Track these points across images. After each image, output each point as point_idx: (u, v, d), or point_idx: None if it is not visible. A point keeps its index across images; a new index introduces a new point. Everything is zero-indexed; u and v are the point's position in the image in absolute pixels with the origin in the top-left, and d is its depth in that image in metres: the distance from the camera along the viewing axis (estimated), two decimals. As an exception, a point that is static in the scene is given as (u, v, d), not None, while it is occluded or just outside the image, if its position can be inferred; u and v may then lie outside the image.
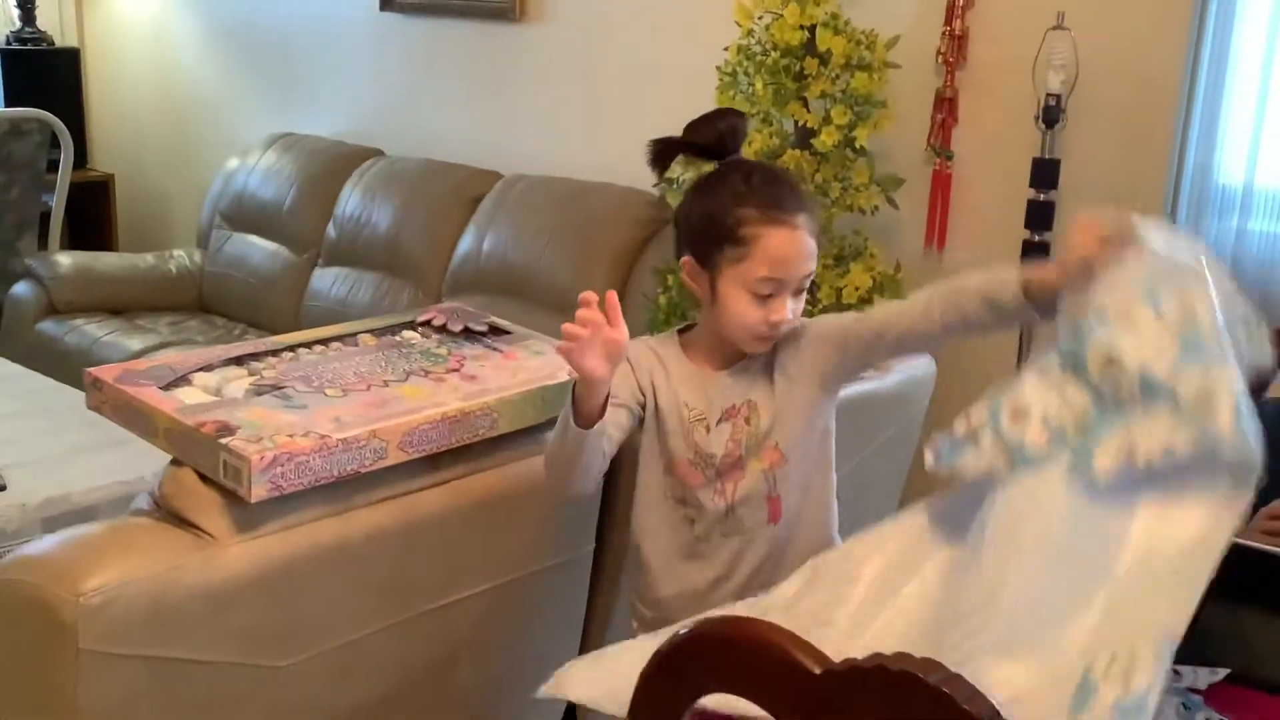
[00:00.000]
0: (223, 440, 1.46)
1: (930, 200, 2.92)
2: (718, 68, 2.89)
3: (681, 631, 0.94)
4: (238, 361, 1.71)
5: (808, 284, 1.60)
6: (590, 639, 1.96)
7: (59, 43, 4.95)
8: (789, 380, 1.65)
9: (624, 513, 1.91)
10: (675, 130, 1.66)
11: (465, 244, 3.53)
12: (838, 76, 2.79)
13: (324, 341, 1.81)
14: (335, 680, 1.59)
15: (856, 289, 2.75)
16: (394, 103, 4.14)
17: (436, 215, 3.64)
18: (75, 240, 4.87)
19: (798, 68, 2.79)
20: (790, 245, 1.55)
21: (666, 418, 1.64)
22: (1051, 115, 2.64)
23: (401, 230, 3.69)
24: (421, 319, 1.93)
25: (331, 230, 3.88)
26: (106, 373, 1.62)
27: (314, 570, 1.52)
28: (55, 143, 4.33)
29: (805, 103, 2.81)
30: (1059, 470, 1.19)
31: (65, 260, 4.12)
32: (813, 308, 2.76)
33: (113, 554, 1.38)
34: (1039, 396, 1.22)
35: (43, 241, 4.44)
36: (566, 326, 1.46)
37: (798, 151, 2.80)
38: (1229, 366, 1.17)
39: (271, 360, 1.73)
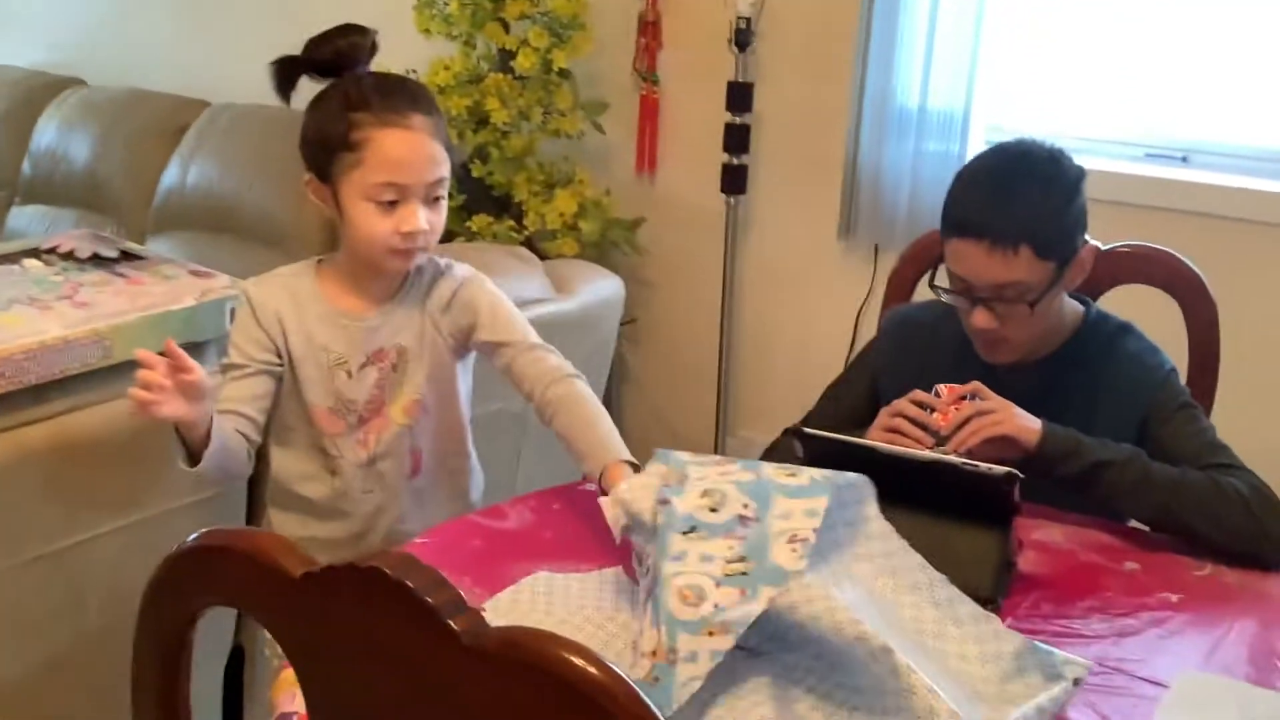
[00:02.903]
0: None
1: (639, 125, 2.91)
2: (412, -14, 2.79)
3: (179, 545, 0.88)
4: None
5: (441, 192, 1.53)
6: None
7: None
8: (438, 332, 1.59)
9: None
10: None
11: (169, 177, 3.34)
12: (537, -2, 2.73)
13: (-78, 270, 1.66)
14: (-70, 633, 1.47)
15: (561, 214, 2.71)
16: (97, 28, 3.89)
17: (138, 147, 3.43)
18: None
19: (497, -13, 2.72)
20: (406, 146, 1.48)
21: (301, 364, 1.55)
22: (744, 39, 2.64)
23: (101, 164, 3.46)
24: (48, 246, 1.80)
25: (27, 166, 3.61)
26: None
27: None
28: None
29: (505, 25, 2.74)
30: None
31: None
32: (519, 234, 2.71)
33: None
34: (694, 570, 1.15)
35: None
36: (133, 392, 1.36)
37: (499, 75, 2.73)
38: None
39: None
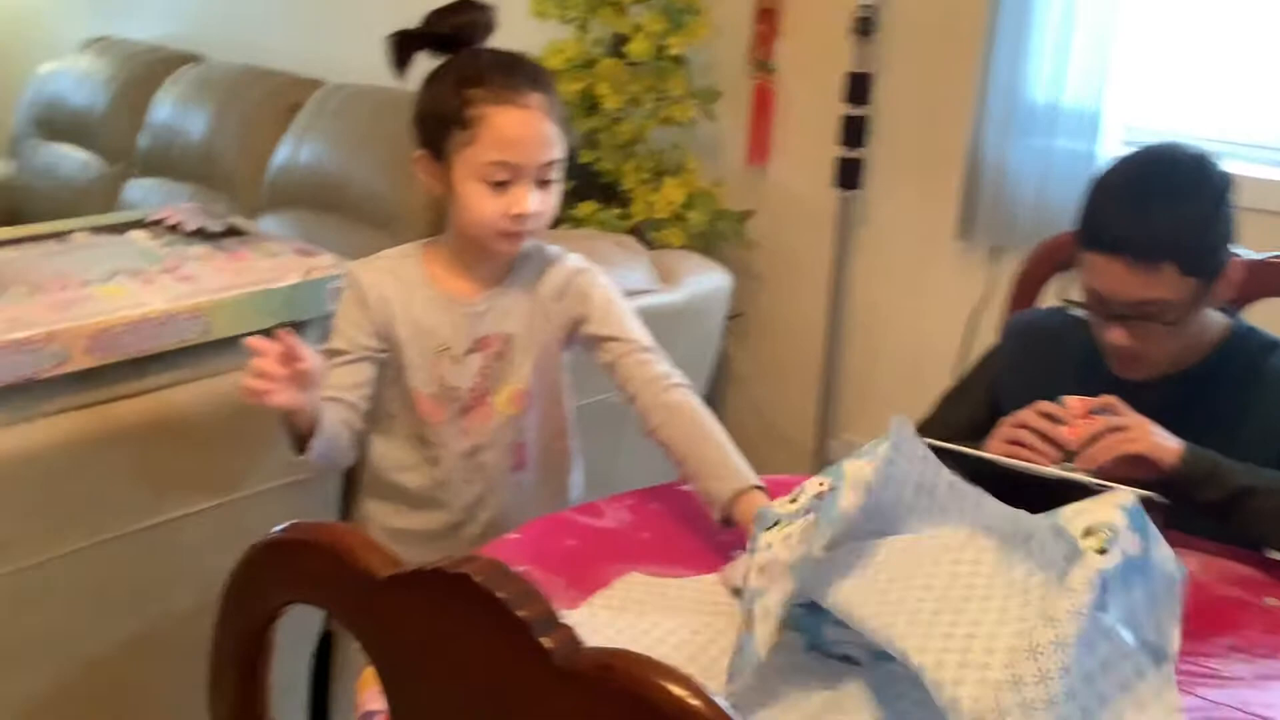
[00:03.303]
0: None
1: (752, 114, 2.83)
2: (529, -31, 2.75)
3: (259, 541, 0.84)
4: (-80, 259, 1.55)
5: (554, 175, 1.48)
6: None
7: None
8: (548, 320, 1.55)
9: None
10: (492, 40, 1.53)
11: (281, 155, 3.35)
12: (654, -18, 2.66)
13: (33, 239, 1.66)
14: (29, 603, 1.46)
15: (669, 203, 2.65)
16: (216, 5, 3.92)
17: (252, 124, 3.45)
18: (-118, 149, 4.56)
19: (612, -30, 2.66)
20: (521, 125, 1.43)
21: (405, 348, 1.52)
22: (866, 27, 2.55)
23: (216, 140, 3.49)
24: (154, 218, 1.79)
25: (144, 139, 3.66)
26: None
27: (-14, 484, 1.39)
28: None
29: (620, 9, 2.68)
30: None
31: None
32: (625, 223, 2.66)
33: None
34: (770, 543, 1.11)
35: None
36: (246, 380, 1.33)
37: (611, 60, 2.68)
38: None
39: (-38, 259, 1.57)
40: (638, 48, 2.62)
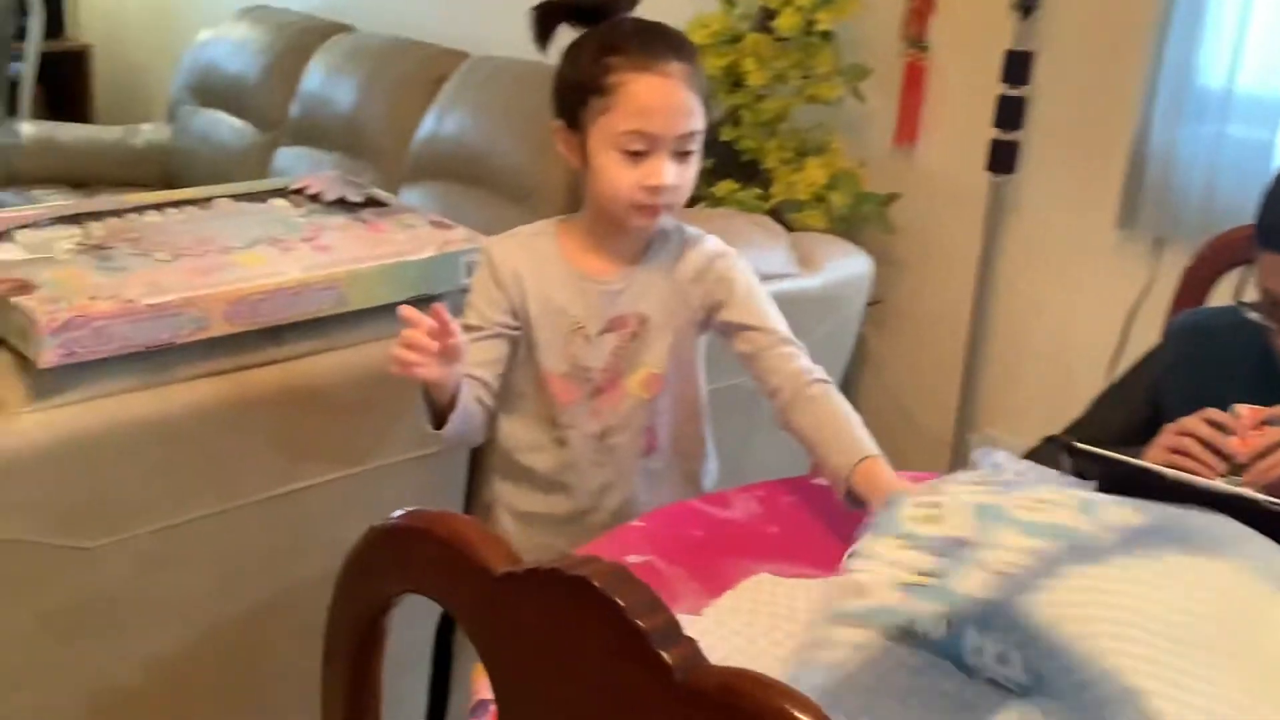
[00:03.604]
0: (14, 299, 1.33)
1: (902, 94, 2.73)
2: (676, -60, 2.69)
3: (377, 525, 0.82)
4: (74, 220, 1.58)
5: (692, 146, 1.43)
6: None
7: (37, -96, 4.76)
8: (686, 303, 1.50)
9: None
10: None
11: (426, 127, 3.36)
12: (805, -46, 2.58)
13: (177, 204, 1.67)
14: (157, 566, 1.48)
15: (811, 185, 2.58)
16: (366, -25, 3.96)
17: (398, 95, 3.47)
18: (53, 112, 4.74)
19: (762, -57, 2.59)
20: (660, 93, 1.39)
21: (537, 326, 1.49)
22: (1028, 4, 2.43)
23: (363, 110, 3.52)
24: (296, 186, 1.79)
25: (295, 108, 3.72)
26: None
27: (123, 446, 1.40)
28: (25, 8, 4.18)
29: (769, -18, 2.61)
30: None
31: (28, 129, 4.00)
32: (764, 203, 2.60)
33: (-121, 415, 1.27)
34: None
35: (12, 110, 4.32)
36: (397, 352, 1.32)
37: (758, 35, 2.61)
38: None
39: (112, 220, 1.59)
40: (786, 22, 2.55)
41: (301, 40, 3.80)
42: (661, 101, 1.39)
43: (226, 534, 1.53)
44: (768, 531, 1.40)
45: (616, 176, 1.41)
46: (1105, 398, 1.58)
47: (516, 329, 1.49)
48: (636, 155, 1.40)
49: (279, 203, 1.75)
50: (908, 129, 2.74)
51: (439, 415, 1.42)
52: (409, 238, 1.66)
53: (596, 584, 0.67)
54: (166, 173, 4.05)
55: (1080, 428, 1.50)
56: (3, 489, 1.32)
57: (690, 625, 1.14)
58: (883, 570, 1.03)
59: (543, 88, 3.25)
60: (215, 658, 1.58)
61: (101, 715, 1.49)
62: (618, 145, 1.40)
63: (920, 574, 1.01)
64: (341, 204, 1.77)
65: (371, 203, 1.79)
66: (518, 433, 1.55)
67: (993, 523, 1.03)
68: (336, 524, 1.51)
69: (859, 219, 2.65)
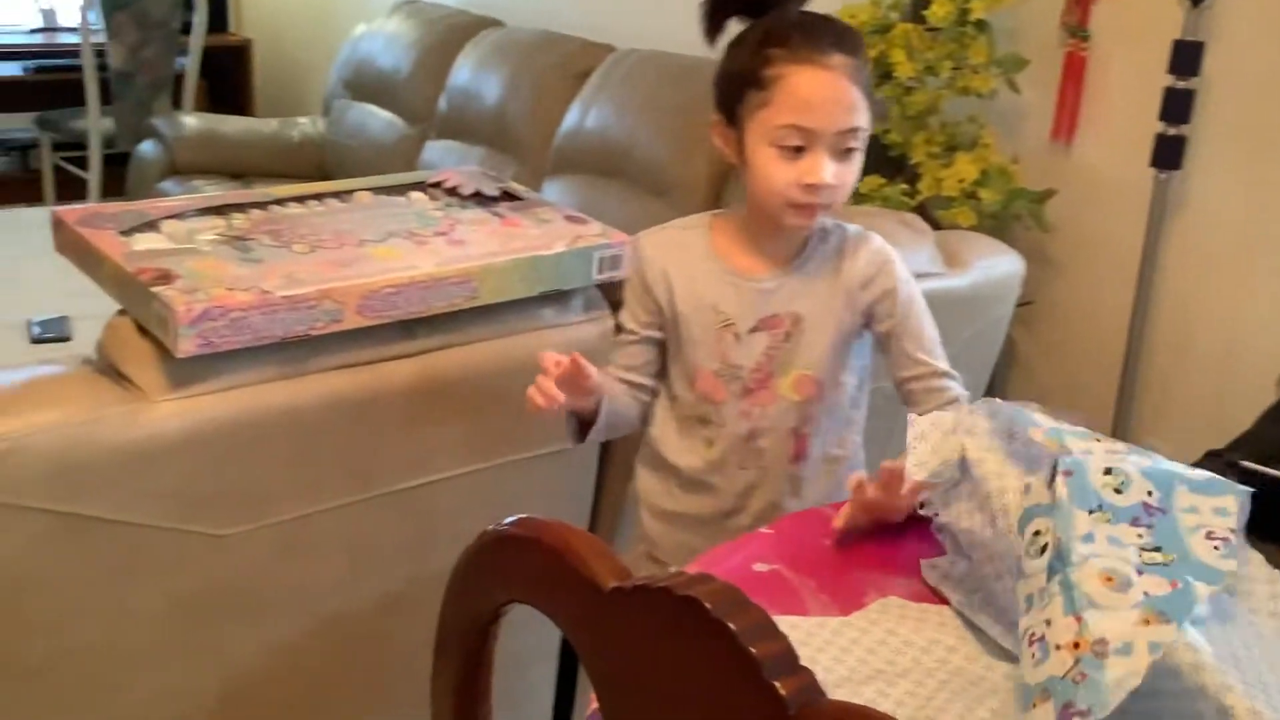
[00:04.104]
0: (155, 289, 1.35)
1: (1061, 86, 2.61)
2: (824, -72, 2.62)
3: (488, 531, 0.79)
4: (218, 211, 1.61)
5: (854, 144, 1.36)
6: (597, 534, 1.82)
7: (204, -96, 4.93)
8: (849, 307, 1.45)
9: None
10: None
11: (570, 120, 3.37)
12: (959, -60, 2.49)
13: (318, 196, 1.69)
14: (287, 555, 1.50)
15: (960, 181, 2.48)
16: (515, -30, 3.98)
17: (543, 89, 3.49)
18: (215, 104, 4.92)
19: (914, -70, 2.51)
20: (820, 86, 1.33)
21: (687, 323, 1.46)
22: (1199, -11, 2.29)
23: (509, 104, 3.55)
24: (434, 180, 1.79)
25: (443, 102, 3.77)
26: (70, 214, 1.54)
27: (258, 436, 1.42)
28: (190, 3, 4.34)
29: (921, -30, 2.53)
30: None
31: (190, 121, 4.14)
32: (911, 199, 2.51)
33: (26, 401, 1.30)
34: (1108, 553, 0.98)
35: (177, 103, 4.49)
36: (530, 393, 1.36)
37: (908, 25, 2.53)
38: None
39: (254, 212, 1.62)
40: (938, 12, 2.46)
41: (450, 35, 3.85)
42: (821, 95, 1.33)
43: (356, 525, 1.53)
44: (902, 544, 1.34)
45: (773, 173, 1.36)
46: (1274, 412, 1.48)
47: (661, 332, 1.49)
48: (794, 151, 1.35)
49: (417, 196, 1.75)
50: (1066, 122, 2.62)
51: (581, 427, 1.45)
52: (542, 232, 1.64)
53: (708, 606, 0.63)
54: (321, 164, 4.15)
55: (1246, 443, 1.40)
56: (139, 476, 1.35)
57: (820, 628, 1.10)
58: (1112, 551, 0.96)
59: (684, 80, 3.23)
60: (342, 645, 1.59)
61: (230, 696, 1.51)
62: (775, 140, 1.35)
63: (1148, 550, 0.96)
64: (478, 198, 1.76)
65: (507, 196, 1.78)
66: (667, 430, 1.52)
67: (1167, 485, 1.01)
68: (465, 517, 1.51)
69: (1010, 217, 2.54)
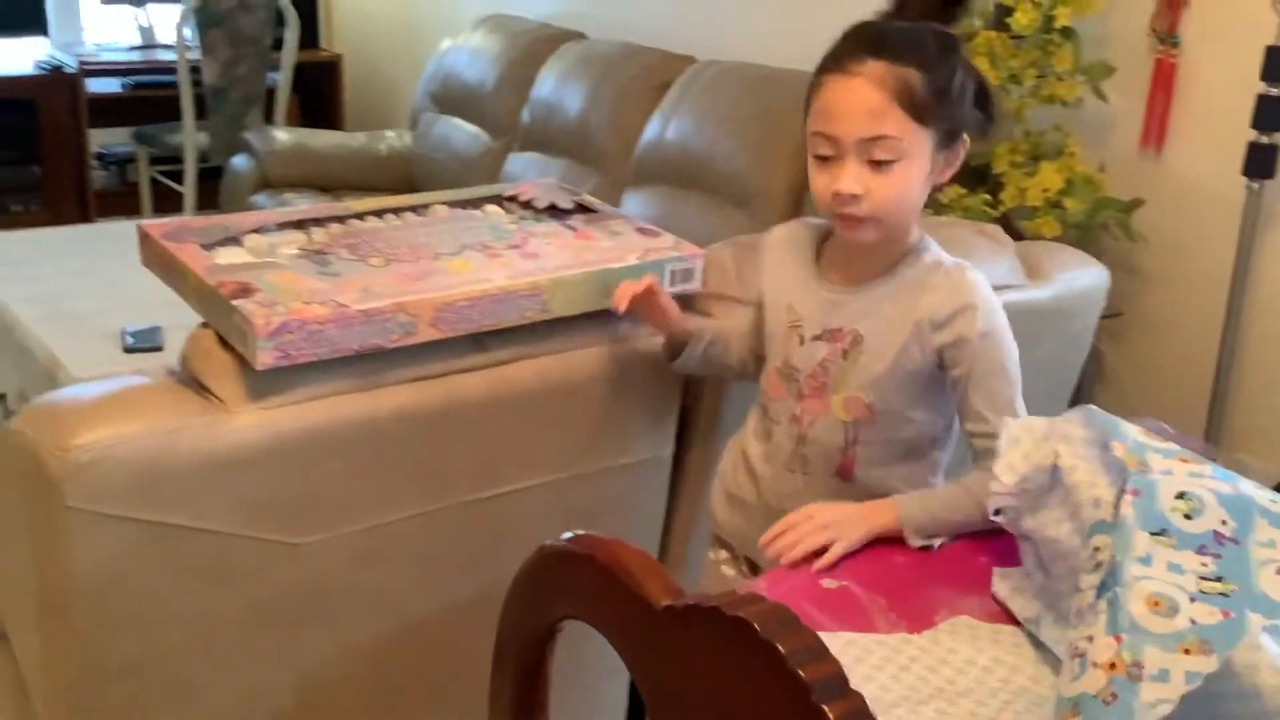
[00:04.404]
0: (235, 302, 1.39)
1: (1150, 93, 2.55)
2: (905, -63, 2.60)
3: (545, 545, 0.80)
4: (298, 225, 1.64)
5: (882, 154, 1.31)
6: (669, 549, 1.82)
7: (296, -77, 5.04)
8: (919, 343, 1.39)
9: (709, 418, 1.76)
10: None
11: (650, 132, 3.38)
12: (1045, -53, 2.45)
13: (396, 210, 1.72)
14: (361, 563, 1.52)
15: (1044, 190, 2.44)
16: (599, -18, 4.01)
17: (624, 100, 3.50)
18: (307, 118, 5.02)
19: (999, -64, 2.47)
20: (841, 93, 1.31)
21: (770, 316, 1.49)
22: (1294, -7, 2.23)
23: (590, 116, 3.57)
24: (510, 193, 1.81)
25: (526, 114, 3.80)
26: (156, 228, 1.59)
27: (334, 446, 1.44)
28: (283, 20, 4.44)
29: (1005, -23, 2.49)
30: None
31: (281, 136, 4.23)
32: (993, 210, 2.48)
33: (112, 411, 1.34)
34: (1162, 577, 0.96)
35: (269, 117, 4.59)
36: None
37: (992, 33, 2.49)
38: None
39: (334, 226, 1.65)
40: (1021, 20, 2.42)
41: (533, 48, 3.88)
42: (841, 101, 1.31)
43: (430, 534, 1.55)
44: (976, 562, 1.32)
45: (812, 182, 1.37)
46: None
47: (752, 314, 1.56)
48: (825, 160, 1.34)
49: (492, 210, 1.77)
50: (1155, 130, 2.56)
51: (672, 349, 1.61)
52: (614, 245, 1.65)
53: (757, 626, 0.63)
54: (407, 177, 4.22)
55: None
56: (220, 485, 1.38)
57: (879, 645, 1.08)
58: (1168, 577, 0.94)
59: (766, 91, 3.22)
60: (414, 652, 1.61)
61: (307, 700, 1.54)
62: (811, 149, 1.36)
63: (1208, 578, 0.94)
64: (552, 210, 1.77)
65: (581, 209, 1.79)
66: (751, 414, 1.53)
67: (1246, 515, 0.99)
68: (537, 528, 1.51)
69: (1097, 227, 2.49)
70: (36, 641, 1.42)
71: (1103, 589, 0.97)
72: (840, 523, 1.32)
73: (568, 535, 0.79)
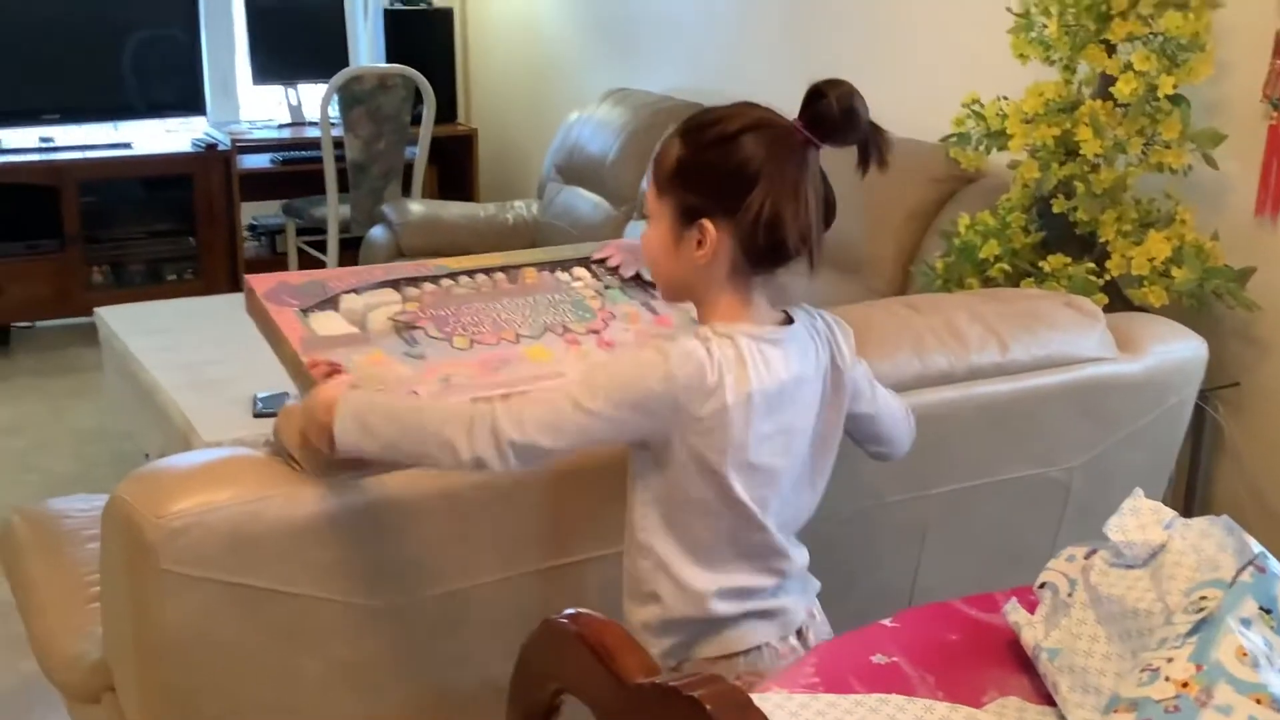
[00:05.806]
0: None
1: (1265, 160, 2.49)
2: (1007, 8, 2.60)
3: (546, 620, 0.85)
4: (394, 285, 1.72)
5: (644, 209, 1.55)
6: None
7: (437, 3, 5.28)
8: None
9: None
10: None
11: (763, 202, 3.42)
12: (1150, 16, 2.43)
13: (487, 271, 1.78)
14: (439, 627, 1.59)
15: (1150, 259, 2.40)
16: (717, 58, 4.10)
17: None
18: (444, 190, 5.22)
19: (1102, 5, 2.46)
20: None
21: None
22: None
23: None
24: (597, 256, 1.87)
25: (645, 183, 3.89)
26: (261, 283, 1.65)
27: (409, 515, 1.52)
28: (421, 98, 4.64)
29: (1110, 47, 2.47)
30: None
31: (415, 208, 4.42)
32: (1098, 279, 2.44)
33: (204, 481, 1.44)
34: (1256, 641, 1.01)
35: (407, 189, 4.80)
36: None
37: (1095, 102, 2.47)
38: None
39: (428, 287, 1.72)
40: (1123, 89, 2.40)
41: (654, 120, 3.98)
42: None
43: (506, 601, 1.61)
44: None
45: None
46: None
47: None
48: None
49: (581, 273, 1.82)
50: (1271, 198, 2.50)
51: None
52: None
53: (709, 707, 0.67)
54: (533, 245, 4.32)
55: None
56: (303, 550, 1.47)
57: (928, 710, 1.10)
58: (1261, 645, 1.00)
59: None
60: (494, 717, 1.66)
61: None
62: None
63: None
64: (637, 280, 1.83)
65: (665, 282, 1.83)
66: None
67: None
68: (612, 598, 1.57)
69: (1209, 296, 2.43)
70: (137, 695, 1.52)
71: (1196, 629, 1.02)
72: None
73: (569, 612, 0.84)
